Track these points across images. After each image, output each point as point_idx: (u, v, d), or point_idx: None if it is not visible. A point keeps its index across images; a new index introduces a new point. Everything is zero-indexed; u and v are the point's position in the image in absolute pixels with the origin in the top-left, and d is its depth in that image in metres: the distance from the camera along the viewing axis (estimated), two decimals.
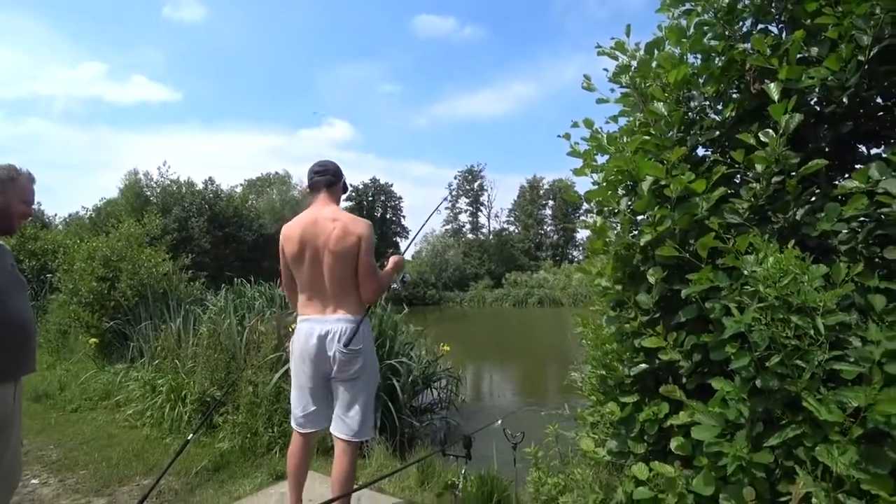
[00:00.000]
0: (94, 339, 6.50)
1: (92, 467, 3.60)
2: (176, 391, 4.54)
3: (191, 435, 3.44)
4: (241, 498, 3.02)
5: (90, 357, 6.60)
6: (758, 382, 1.56)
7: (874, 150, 1.84)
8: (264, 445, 3.81)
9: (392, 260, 2.62)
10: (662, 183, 1.89)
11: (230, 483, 3.31)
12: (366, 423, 2.42)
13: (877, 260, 1.58)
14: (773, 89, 1.68)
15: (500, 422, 3.40)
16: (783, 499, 1.53)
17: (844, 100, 1.74)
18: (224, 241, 24.01)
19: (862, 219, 1.61)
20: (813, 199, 1.76)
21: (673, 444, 1.84)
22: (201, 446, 3.87)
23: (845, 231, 1.61)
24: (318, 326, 2.38)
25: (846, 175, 1.59)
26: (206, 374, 4.61)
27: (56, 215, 22.39)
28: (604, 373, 2.25)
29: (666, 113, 1.97)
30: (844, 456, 1.36)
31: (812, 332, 1.45)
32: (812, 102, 1.86)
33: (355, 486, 2.81)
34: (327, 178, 2.51)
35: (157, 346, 5.51)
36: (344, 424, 2.40)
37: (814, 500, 1.41)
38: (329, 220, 2.39)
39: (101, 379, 5.63)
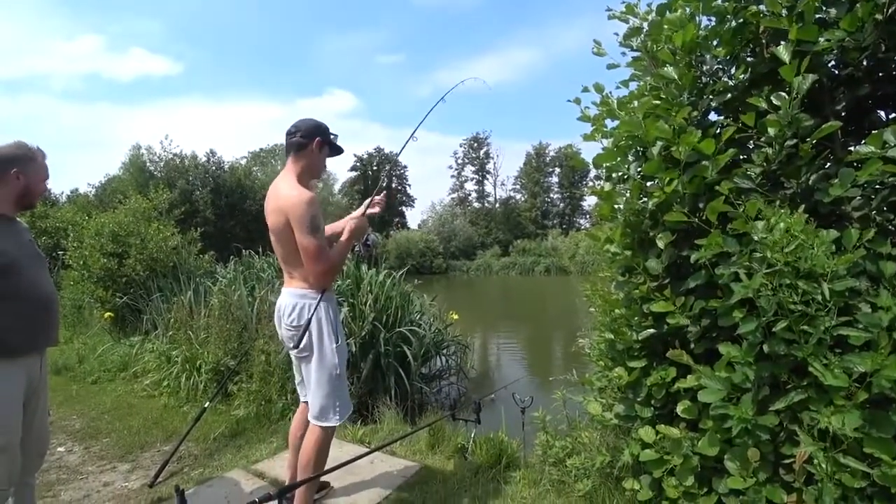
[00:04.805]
0: (109, 314, 6.63)
1: (114, 435, 3.73)
2: (191, 361, 4.66)
3: (207, 403, 3.56)
4: (258, 462, 3.13)
5: (106, 330, 6.73)
6: (765, 347, 1.58)
7: (893, 115, 1.79)
8: (279, 412, 3.92)
9: (347, 229, 2.32)
10: (671, 146, 1.86)
11: (247, 448, 3.42)
12: (325, 409, 2.21)
13: (890, 227, 1.57)
14: (783, 51, 1.63)
15: (504, 387, 3.47)
16: (787, 461, 1.57)
17: (863, 62, 1.69)
18: (229, 212, 24.04)
19: (877, 185, 1.58)
20: (827, 164, 1.73)
21: (679, 408, 1.88)
22: (217, 414, 3.99)
23: (859, 197, 1.59)
24: (279, 299, 2.34)
25: (863, 140, 1.55)
26: (220, 345, 4.72)
27: (63, 193, 22.44)
28: (612, 338, 2.27)
29: (676, 76, 1.93)
30: (848, 419, 1.39)
31: (819, 297, 1.46)
32: (830, 65, 1.80)
33: (368, 450, 2.89)
34: (296, 141, 2.24)
35: (171, 318, 5.62)
36: (311, 404, 2.27)
37: (815, 461, 1.45)
38: (275, 192, 2.21)
39: (117, 351, 5.76)
